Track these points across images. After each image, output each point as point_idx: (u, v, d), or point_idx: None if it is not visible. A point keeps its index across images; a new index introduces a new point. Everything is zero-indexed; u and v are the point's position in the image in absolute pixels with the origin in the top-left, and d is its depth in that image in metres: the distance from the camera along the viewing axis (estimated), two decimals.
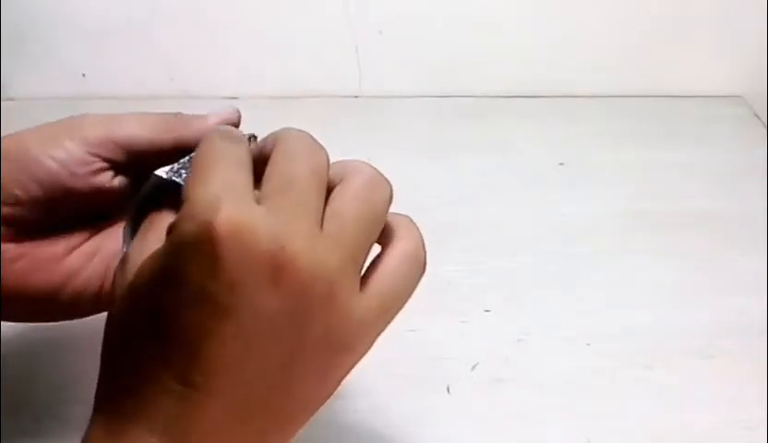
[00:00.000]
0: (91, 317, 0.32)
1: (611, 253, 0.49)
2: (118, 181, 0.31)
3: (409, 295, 0.27)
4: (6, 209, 0.29)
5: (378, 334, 0.26)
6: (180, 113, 0.31)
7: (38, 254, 0.30)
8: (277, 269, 0.22)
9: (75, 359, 0.39)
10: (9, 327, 0.40)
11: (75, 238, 0.32)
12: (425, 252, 0.27)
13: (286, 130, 0.27)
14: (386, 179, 0.26)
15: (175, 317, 0.22)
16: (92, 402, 0.24)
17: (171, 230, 0.23)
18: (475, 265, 0.47)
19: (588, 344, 0.43)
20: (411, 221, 0.28)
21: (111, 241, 0.32)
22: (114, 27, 0.60)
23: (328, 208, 0.25)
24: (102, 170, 0.30)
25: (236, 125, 0.31)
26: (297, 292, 0.23)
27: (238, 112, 0.32)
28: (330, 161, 0.26)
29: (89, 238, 0.32)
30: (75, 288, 0.31)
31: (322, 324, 0.24)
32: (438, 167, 0.56)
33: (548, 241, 0.50)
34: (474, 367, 0.41)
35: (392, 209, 0.27)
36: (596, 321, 0.44)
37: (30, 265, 0.30)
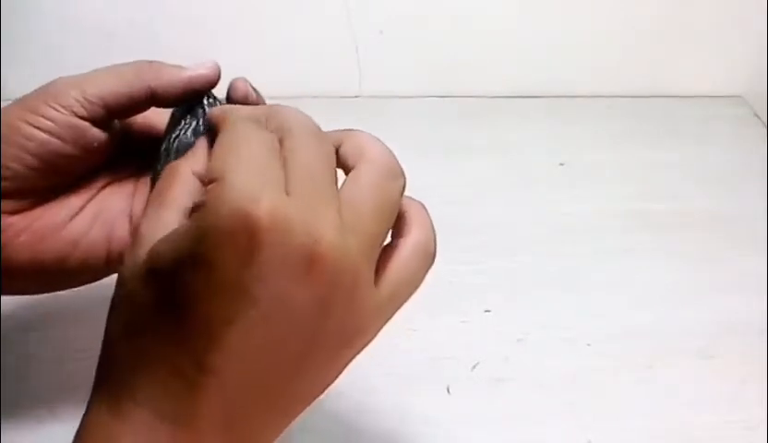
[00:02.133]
0: (91, 316, 0.32)
1: (611, 253, 0.49)
2: (105, 136, 0.31)
3: (418, 285, 0.27)
4: (6, 184, 0.30)
5: (386, 322, 0.26)
6: (154, 61, 0.32)
7: (41, 225, 0.31)
8: (309, 262, 0.22)
9: (75, 359, 0.39)
10: (8, 326, 0.40)
11: (74, 203, 0.32)
12: (435, 243, 0.27)
13: (286, 113, 0.26)
14: (400, 167, 0.26)
15: (199, 302, 0.22)
16: None
17: (198, 208, 0.22)
18: (475, 265, 0.47)
19: (588, 344, 0.43)
20: (423, 209, 0.28)
21: (111, 202, 0.33)
22: (114, 27, 0.60)
23: (343, 197, 0.24)
24: (86, 129, 0.30)
25: (215, 82, 0.32)
26: (326, 283, 0.23)
27: (218, 67, 0.32)
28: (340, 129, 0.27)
29: (88, 202, 0.33)
30: (81, 253, 0.32)
31: (341, 314, 0.24)
32: (438, 167, 0.56)
33: (548, 241, 0.50)
34: (474, 367, 0.41)
35: None
36: (596, 321, 0.44)
37: (35, 237, 0.31)
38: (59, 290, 0.33)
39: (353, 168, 0.26)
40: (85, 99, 0.30)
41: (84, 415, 0.24)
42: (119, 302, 0.24)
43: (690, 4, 0.61)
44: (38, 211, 0.31)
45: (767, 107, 0.63)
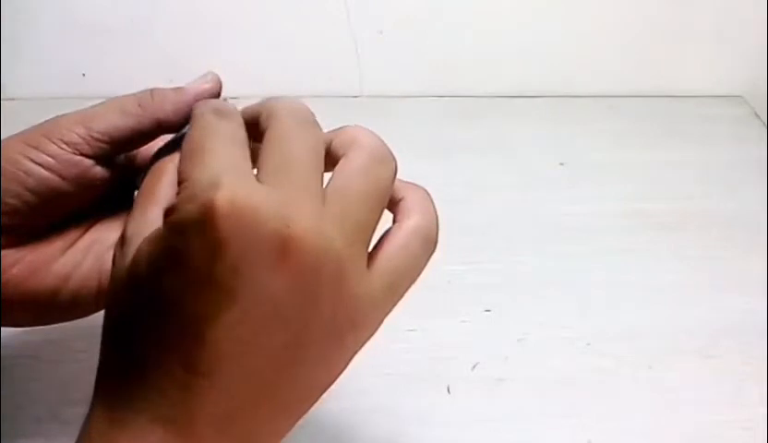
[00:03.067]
0: (91, 317, 0.32)
1: (611, 253, 0.49)
2: (107, 172, 0.31)
3: (418, 274, 0.26)
4: (4, 219, 0.29)
5: (386, 313, 0.26)
6: (156, 90, 0.31)
7: (33, 257, 0.30)
8: (283, 248, 0.21)
9: (75, 359, 0.39)
10: (8, 328, 0.40)
11: (69, 236, 0.31)
12: (437, 229, 0.26)
13: (279, 103, 0.26)
14: (390, 153, 0.26)
15: (179, 303, 0.22)
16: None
17: (169, 212, 0.22)
18: (475, 265, 0.47)
19: (588, 344, 0.43)
20: (426, 195, 0.27)
21: (104, 235, 0.32)
22: (114, 27, 0.60)
23: (330, 184, 0.24)
24: (89, 167, 0.30)
25: (218, 93, 0.31)
26: (305, 271, 0.22)
27: (218, 79, 0.31)
28: (331, 128, 0.26)
29: (82, 234, 0.32)
30: (73, 287, 0.31)
31: (330, 304, 0.23)
32: (438, 167, 0.56)
33: (548, 241, 0.50)
34: (474, 367, 0.41)
35: None
36: (596, 321, 0.44)
37: (27, 269, 0.30)
38: (50, 323, 0.32)
39: (342, 158, 0.25)
40: (90, 136, 0.29)
41: (84, 423, 0.24)
42: (109, 306, 0.24)
43: (689, 4, 0.61)
44: (30, 244, 0.30)
45: (767, 107, 0.63)
